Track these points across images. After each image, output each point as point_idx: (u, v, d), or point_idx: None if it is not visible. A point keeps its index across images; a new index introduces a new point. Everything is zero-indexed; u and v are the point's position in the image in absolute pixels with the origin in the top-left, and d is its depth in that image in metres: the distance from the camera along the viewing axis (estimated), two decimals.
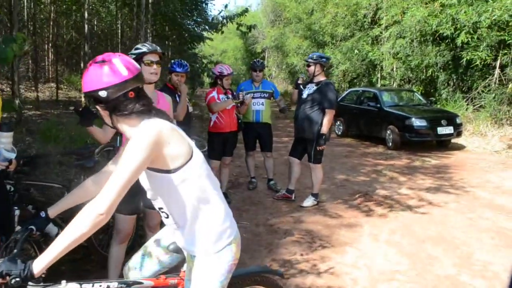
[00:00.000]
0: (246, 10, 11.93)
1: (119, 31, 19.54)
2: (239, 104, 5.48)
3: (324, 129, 5.05)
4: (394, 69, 15.45)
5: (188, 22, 14.98)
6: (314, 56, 5.28)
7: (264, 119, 5.91)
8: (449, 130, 9.45)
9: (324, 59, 5.29)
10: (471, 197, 5.82)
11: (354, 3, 16.43)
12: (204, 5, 14.89)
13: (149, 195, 1.72)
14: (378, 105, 10.45)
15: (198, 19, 15.04)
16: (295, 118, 5.41)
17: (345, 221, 4.87)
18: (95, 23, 21.76)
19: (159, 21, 15.33)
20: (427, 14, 12.38)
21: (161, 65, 2.89)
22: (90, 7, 19.86)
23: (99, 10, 20.66)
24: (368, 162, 8.24)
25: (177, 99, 4.19)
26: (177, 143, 1.57)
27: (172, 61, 4.42)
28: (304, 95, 5.28)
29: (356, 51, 16.44)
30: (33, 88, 13.62)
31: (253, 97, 5.75)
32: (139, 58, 2.79)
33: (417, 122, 9.37)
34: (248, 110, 5.81)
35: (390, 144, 9.71)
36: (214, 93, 5.34)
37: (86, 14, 11.98)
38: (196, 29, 15.79)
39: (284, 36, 24.08)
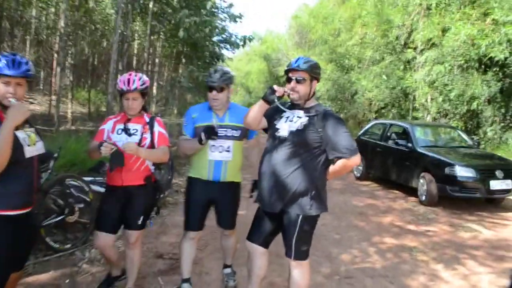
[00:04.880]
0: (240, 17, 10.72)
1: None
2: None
3: (330, 175, 2.83)
4: (429, 100, 13.22)
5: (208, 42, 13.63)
6: (303, 62, 2.76)
7: (230, 176, 3.24)
8: (506, 185, 6.91)
9: (319, 70, 2.93)
10: None
11: (385, 22, 14.35)
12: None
13: None
14: (409, 144, 8.01)
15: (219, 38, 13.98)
16: (259, 175, 2.87)
17: None
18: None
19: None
20: (475, 32, 10.10)
21: None
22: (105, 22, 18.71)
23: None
24: (390, 228, 5.84)
25: None
26: None
27: None
28: (282, 131, 2.78)
29: (384, 76, 14.29)
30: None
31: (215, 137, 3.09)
32: None
33: (463, 172, 6.88)
34: (200, 159, 3.22)
35: (424, 197, 7.26)
36: (109, 123, 3.12)
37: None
38: (217, 47, 14.65)
39: None
